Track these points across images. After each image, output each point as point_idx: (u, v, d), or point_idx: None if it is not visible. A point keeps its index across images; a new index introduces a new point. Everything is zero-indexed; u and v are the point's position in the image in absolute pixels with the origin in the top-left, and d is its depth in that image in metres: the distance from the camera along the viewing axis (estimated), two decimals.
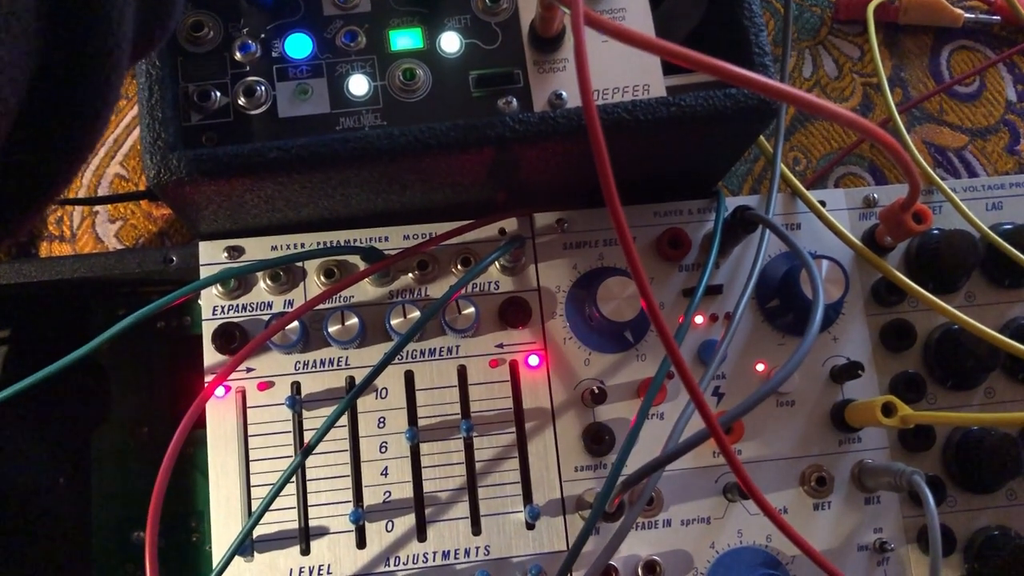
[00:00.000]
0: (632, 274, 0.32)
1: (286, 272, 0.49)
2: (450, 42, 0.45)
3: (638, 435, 0.43)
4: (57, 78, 0.23)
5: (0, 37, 0.20)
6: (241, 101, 0.43)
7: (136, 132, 0.62)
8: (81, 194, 0.62)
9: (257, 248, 0.49)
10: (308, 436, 0.46)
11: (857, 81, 0.67)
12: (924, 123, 0.67)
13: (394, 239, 0.50)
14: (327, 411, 0.47)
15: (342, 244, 0.49)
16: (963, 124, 0.67)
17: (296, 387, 0.48)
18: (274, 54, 0.44)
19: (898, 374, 0.51)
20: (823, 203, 0.52)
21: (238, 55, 0.44)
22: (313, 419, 0.47)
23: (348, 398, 0.44)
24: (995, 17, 0.68)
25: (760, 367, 0.50)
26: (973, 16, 0.68)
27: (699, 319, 0.50)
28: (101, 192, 0.62)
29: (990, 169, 0.66)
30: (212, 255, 0.49)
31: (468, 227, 0.49)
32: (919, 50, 0.68)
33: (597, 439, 0.48)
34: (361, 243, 0.50)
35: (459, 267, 0.49)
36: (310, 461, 0.46)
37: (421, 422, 0.48)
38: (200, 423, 0.53)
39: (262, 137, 0.43)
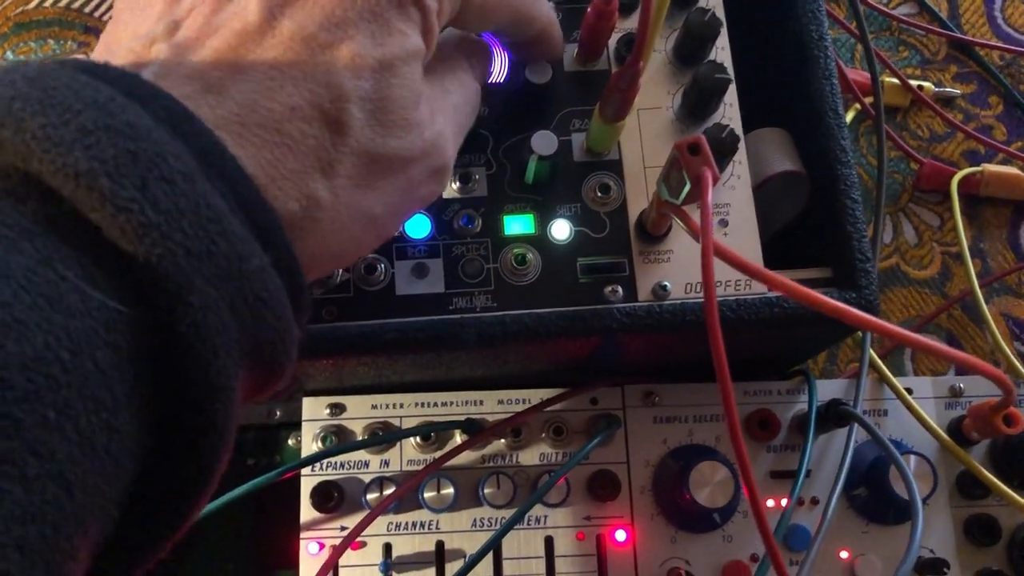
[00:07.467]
0: (741, 474, 0.34)
1: (383, 431, 0.50)
2: (560, 229, 0.46)
3: None
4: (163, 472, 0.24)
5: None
6: (362, 278, 0.45)
7: None
8: None
9: (358, 406, 0.51)
10: None
11: (936, 249, 0.68)
12: (1003, 295, 0.67)
13: (488, 403, 0.51)
14: (416, 575, 0.48)
15: (442, 422, 0.51)
16: None
17: (387, 549, 0.49)
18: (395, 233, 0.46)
19: (982, 570, 0.50)
20: (910, 390, 0.53)
21: None
22: None
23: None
24: None
25: (844, 554, 0.50)
26: None
27: (784, 501, 0.51)
28: None
29: None
30: (315, 412, 0.51)
31: (563, 397, 0.51)
32: (999, 222, 0.69)
33: None
34: (457, 404, 0.51)
35: (551, 434, 0.51)
36: None
37: None
38: (285, 564, 0.55)
39: (378, 313, 0.45)
